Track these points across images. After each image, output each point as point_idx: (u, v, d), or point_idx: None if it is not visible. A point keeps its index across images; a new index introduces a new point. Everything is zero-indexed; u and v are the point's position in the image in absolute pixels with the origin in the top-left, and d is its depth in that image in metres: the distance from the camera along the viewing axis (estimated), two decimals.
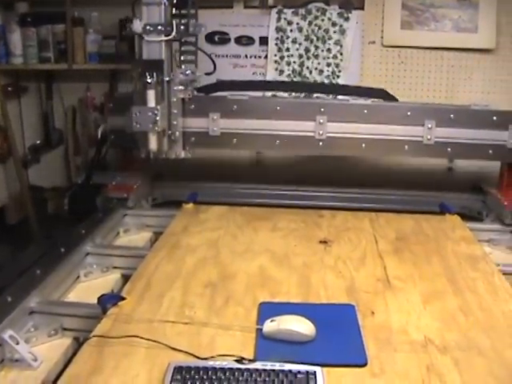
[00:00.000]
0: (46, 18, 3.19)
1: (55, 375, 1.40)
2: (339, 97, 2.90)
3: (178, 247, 2.08)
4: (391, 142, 2.53)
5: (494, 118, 2.49)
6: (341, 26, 3.11)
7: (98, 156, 2.78)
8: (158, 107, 2.22)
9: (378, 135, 2.53)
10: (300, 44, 3.14)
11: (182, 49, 2.44)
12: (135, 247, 2.26)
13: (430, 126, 2.50)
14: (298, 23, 3.13)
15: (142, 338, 1.44)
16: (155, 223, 2.47)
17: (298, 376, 1.28)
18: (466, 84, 3.16)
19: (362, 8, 3.12)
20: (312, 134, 2.54)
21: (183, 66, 2.43)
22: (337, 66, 3.13)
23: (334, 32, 3.11)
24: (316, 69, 3.14)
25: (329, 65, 3.13)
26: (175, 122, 2.42)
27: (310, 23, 3.11)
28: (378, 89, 2.87)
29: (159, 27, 2.22)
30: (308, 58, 3.14)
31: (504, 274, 1.90)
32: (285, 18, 3.12)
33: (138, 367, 1.35)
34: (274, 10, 3.14)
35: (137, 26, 2.22)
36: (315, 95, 3.00)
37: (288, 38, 3.14)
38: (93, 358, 1.38)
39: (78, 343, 1.56)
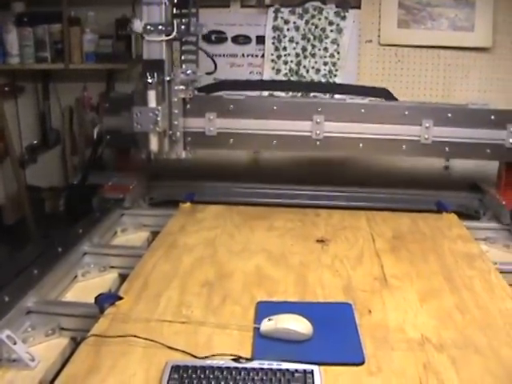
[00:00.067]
0: (43, 17, 3.19)
1: (53, 375, 1.40)
2: (336, 96, 2.90)
3: (175, 247, 2.08)
4: (389, 142, 2.54)
5: (492, 117, 2.50)
6: (338, 24, 3.11)
7: (94, 156, 2.78)
8: (159, 108, 2.20)
9: (376, 135, 2.54)
10: (297, 43, 3.14)
11: (183, 48, 2.43)
12: (132, 247, 2.26)
13: (427, 125, 2.50)
14: (294, 22, 3.13)
15: (139, 337, 1.44)
16: (152, 223, 2.46)
17: (296, 375, 1.29)
18: (462, 82, 3.17)
19: (359, 7, 3.12)
20: (309, 133, 2.54)
21: (184, 66, 2.42)
22: (334, 64, 3.14)
23: (331, 31, 3.12)
24: (313, 68, 3.14)
25: (326, 64, 3.14)
26: (176, 122, 2.40)
27: (306, 22, 3.12)
28: (380, 88, 2.86)
29: (160, 27, 2.20)
30: (305, 57, 3.14)
31: (501, 272, 1.90)
32: (282, 17, 3.13)
33: (135, 366, 1.35)
34: (271, 9, 3.14)
35: (137, 25, 2.20)
36: (312, 94, 3.01)
37: (285, 36, 3.14)
38: (90, 358, 1.38)
39: (76, 343, 1.56)
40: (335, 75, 3.14)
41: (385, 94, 2.78)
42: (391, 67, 3.15)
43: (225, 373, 1.29)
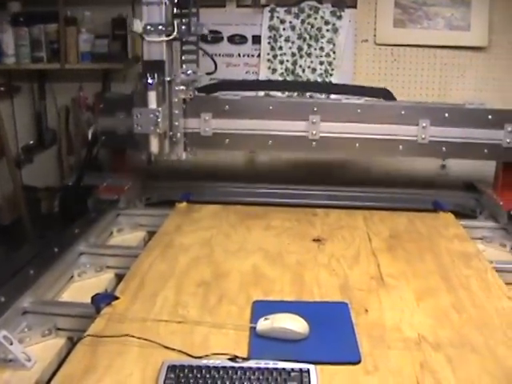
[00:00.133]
0: (39, 17, 3.18)
1: (49, 375, 1.40)
2: (332, 96, 2.90)
3: (171, 246, 2.08)
4: (385, 142, 2.53)
5: (489, 116, 2.49)
6: (333, 24, 3.11)
7: (90, 157, 2.77)
8: (160, 109, 2.18)
9: (372, 135, 2.53)
10: (293, 42, 3.14)
11: (183, 48, 2.40)
12: (129, 247, 2.25)
13: (424, 125, 2.50)
14: (290, 22, 3.13)
15: (135, 337, 1.44)
16: (149, 222, 2.46)
17: (292, 374, 1.29)
18: (458, 82, 3.17)
19: (355, 6, 3.12)
20: (305, 134, 2.54)
21: (184, 66, 2.40)
22: (330, 64, 3.13)
23: (327, 30, 3.12)
24: (309, 67, 3.14)
25: (322, 63, 3.13)
26: (176, 123, 2.37)
27: (302, 22, 3.11)
28: (381, 88, 2.85)
29: (160, 27, 2.17)
30: (301, 57, 3.14)
31: (497, 271, 1.91)
32: (277, 17, 3.12)
33: (131, 366, 1.35)
34: (267, 9, 3.14)
35: (137, 26, 2.16)
36: (308, 94, 3.00)
37: (281, 36, 3.14)
38: (86, 358, 1.38)
39: (72, 343, 1.55)
40: (331, 75, 3.14)
41: (384, 93, 2.77)
42: (387, 67, 3.15)
43: (221, 372, 1.29)
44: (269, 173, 3.01)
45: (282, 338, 1.45)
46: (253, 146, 2.68)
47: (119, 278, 1.92)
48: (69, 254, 2.01)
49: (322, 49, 3.13)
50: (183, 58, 2.40)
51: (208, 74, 2.54)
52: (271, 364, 1.31)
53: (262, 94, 3.05)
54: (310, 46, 3.13)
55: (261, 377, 1.28)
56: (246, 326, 1.52)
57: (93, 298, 1.63)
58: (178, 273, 1.86)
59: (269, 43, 3.16)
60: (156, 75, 2.18)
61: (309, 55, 3.14)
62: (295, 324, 1.48)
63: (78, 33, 3.19)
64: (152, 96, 2.18)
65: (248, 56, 3.21)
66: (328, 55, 3.13)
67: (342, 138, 2.54)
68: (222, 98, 2.55)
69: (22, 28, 3.16)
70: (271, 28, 3.14)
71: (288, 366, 1.31)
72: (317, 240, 2.15)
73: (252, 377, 1.28)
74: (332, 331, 1.50)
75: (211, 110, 2.54)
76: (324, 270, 1.89)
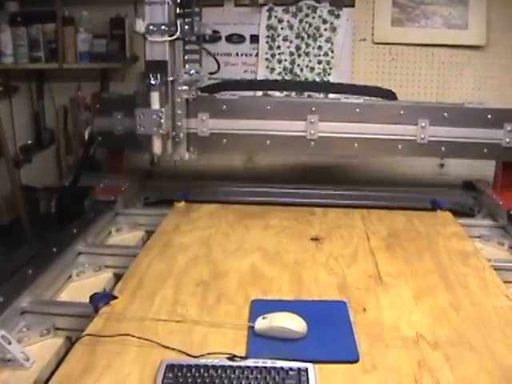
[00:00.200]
0: (37, 17, 3.18)
1: (47, 375, 1.40)
2: (330, 95, 2.90)
3: (169, 246, 2.08)
4: (384, 142, 2.53)
5: (489, 116, 2.49)
6: (331, 23, 3.11)
7: (86, 157, 2.76)
8: (163, 109, 2.17)
9: (371, 135, 2.53)
10: (291, 42, 3.14)
11: (186, 48, 2.40)
12: (127, 246, 2.26)
13: (423, 124, 2.49)
14: (288, 21, 3.13)
15: (134, 336, 1.44)
16: (147, 222, 2.46)
17: (290, 373, 1.29)
18: (456, 81, 3.17)
19: (353, 5, 3.12)
20: (303, 133, 2.53)
21: (187, 66, 2.40)
22: (328, 63, 3.13)
23: (325, 29, 3.11)
24: (307, 66, 3.14)
25: (320, 62, 3.13)
26: (179, 123, 2.37)
27: (300, 21, 3.11)
28: (385, 89, 2.84)
29: (163, 27, 2.16)
30: (299, 56, 3.14)
31: (495, 269, 1.91)
32: (275, 16, 3.12)
33: (130, 366, 1.35)
34: (265, 8, 3.14)
35: (140, 26, 2.16)
36: (306, 94, 3.00)
37: (279, 35, 3.14)
38: (85, 357, 1.38)
39: (71, 343, 1.55)
40: (329, 74, 3.14)
41: (387, 94, 2.76)
42: (385, 65, 3.15)
43: (219, 371, 1.29)
44: (267, 176, 3.01)
45: (280, 337, 1.45)
46: (251, 147, 2.65)
47: (118, 277, 1.93)
48: (67, 254, 2.02)
49: (320, 48, 3.13)
50: (186, 57, 2.40)
51: (211, 73, 2.53)
52: (269, 363, 1.32)
53: (259, 93, 3.05)
54: (308, 45, 3.13)
55: (259, 376, 1.28)
56: (244, 325, 1.52)
57: (91, 297, 1.63)
58: (177, 272, 1.86)
59: (267, 42, 3.16)
60: (159, 76, 2.17)
61: (307, 54, 3.14)
62: (293, 323, 1.48)
63: (76, 32, 3.18)
64: (155, 97, 2.17)
65: (246, 55, 3.21)
66: (326, 54, 3.13)
67: (341, 138, 2.53)
68: (219, 98, 2.54)
69: (19, 28, 3.15)
70: (269, 27, 3.14)
71: (286, 364, 1.31)
72: (315, 239, 2.15)
73: (250, 376, 1.28)
74: (330, 330, 1.50)
75: (208, 109, 2.52)
76: (322, 269, 1.89)
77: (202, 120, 2.51)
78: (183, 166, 2.56)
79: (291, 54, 3.15)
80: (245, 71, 3.21)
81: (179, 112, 2.37)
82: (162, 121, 2.16)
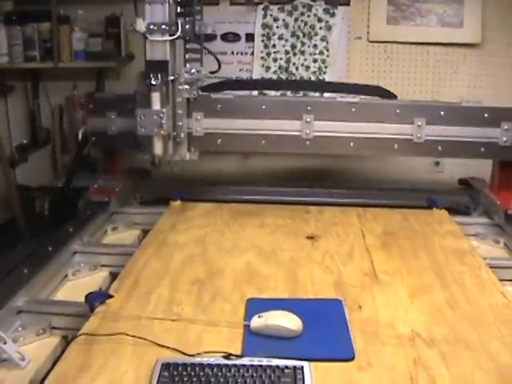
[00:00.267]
0: (32, 16, 3.17)
1: (43, 374, 1.39)
2: (326, 94, 2.90)
3: (165, 244, 2.08)
4: (380, 141, 2.51)
5: (486, 114, 2.47)
6: (327, 21, 3.11)
7: (80, 158, 2.75)
8: (164, 110, 2.15)
9: (367, 134, 2.51)
10: (286, 40, 3.14)
11: (187, 47, 2.37)
12: (123, 245, 2.26)
13: (419, 123, 2.47)
14: (284, 19, 3.13)
15: (129, 335, 1.44)
16: (143, 221, 2.46)
17: (286, 371, 1.29)
18: (452, 79, 3.17)
19: (348, 4, 3.12)
20: (299, 133, 2.52)
21: (188, 65, 2.37)
22: (323, 61, 3.13)
23: (320, 28, 3.12)
24: (302, 65, 3.14)
25: (315, 61, 3.13)
26: (180, 123, 2.35)
27: (296, 19, 3.11)
28: (387, 91, 2.84)
29: (163, 26, 2.14)
30: (294, 55, 3.14)
31: (491, 267, 1.91)
32: (271, 15, 3.12)
33: (125, 364, 1.35)
34: (260, 7, 3.14)
35: (140, 25, 2.13)
36: (302, 93, 3.00)
37: (274, 34, 3.14)
38: (81, 356, 1.38)
39: (67, 342, 1.55)
40: (325, 72, 3.14)
41: (386, 93, 2.75)
42: (380, 64, 3.16)
43: (215, 370, 1.29)
44: (264, 179, 3.00)
45: (275, 336, 1.45)
46: (246, 146, 2.62)
47: (114, 276, 1.93)
48: (63, 253, 2.02)
49: (315, 46, 3.13)
50: (186, 56, 2.37)
51: (211, 72, 2.50)
52: (265, 361, 1.32)
53: (255, 93, 3.05)
54: (303, 43, 3.13)
55: (254, 374, 1.28)
56: (239, 323, 1.52)
57: (87, 296, 1.63)
58: (173, 271, 1.86)
59: (262, 41, 3.16)
60: (159, 76, 2.15)
61: (302, 53, 3.14)
62: (289, 321, 1.48)
63: (72, 31, 3.17)
64: (156, 97, 2.15)
65: (241, 54, 3.21)
66: (321, 53, 3.13)
67: (337, 137, 2.52)
68: (213, 97, 2.52)
69: (14, 27, 3.14)
70: (264, 26, 3.14)
71: (282, 363, 1.31)
72: (310, 237, 2.15)
73: (246, 374, 1.28)
74: (326, 328, 1.50)
75: (203, 109, 2.50)
76: (318, 267, 1.89)
77: (197, 119, 2.49)
78: (179, 170, 2.54)
79: (286, 52, 3.15)
80: (240, 70, 3.21)
81: (180, 112, 2.34)
82: (163, 121, 2.15)
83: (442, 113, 2.48)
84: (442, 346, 1.44)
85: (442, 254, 2.02)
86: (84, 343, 1.43)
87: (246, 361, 1.33)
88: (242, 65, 3.21)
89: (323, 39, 3.12)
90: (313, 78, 3.15)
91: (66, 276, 1.96)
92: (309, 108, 2.50)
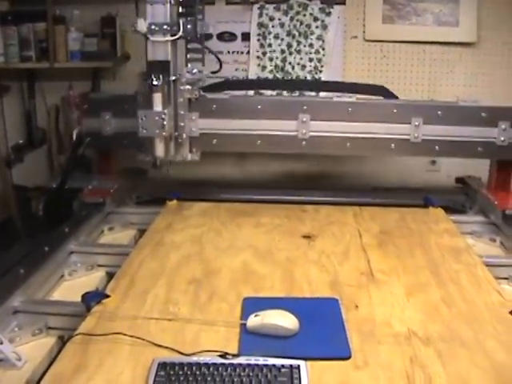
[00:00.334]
0: (27, 16, 3.16)
1: (40, 374, 1.39)
2: (322, 94, 2.90)
3: (162, 244, 2.08)
4: (377, 141, 2.50)
5: (483, 114, 2.46)
6: (322, 21, 3.11)
7: (75, 159, 2.74)
8: (166, 111, 2.14)
9: (364, 134, 2.49)
10: (282, 39, 3.14)
11: (188, 47, 2.37)
12: (119, 245, 2.26)
13: (416, 123, 2.46)
14: (279, 19, 3.13)
15: (126, 335, 1.44)
16: (139, 221, 2.46)
17: (282, 370, 1.29)
18: (448, 78, 3.17)
19: (344, 3, 3.12)
20: (295, 133, 2.50)
21: (189, 65, 2.36)
22: (319, 61, 3.13)
23: (316, 27, 3.12)
24: (298, 64, 3.14)
25: (311, 60, 3.13)
26: (182, 124, 2.34)
27: (291, 18, 3.11)
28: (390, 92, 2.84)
29: (165, 27, 2.12)
30: (290, 54, 3.14)
31: (487, 265, 1.92)
32: (266, 14, 3.12)
33: (122, 364, 1.35)
34: (256, 6, 3.14)
35: (141, 25, 2.11)
36: (298, 92, 3.00)
37: (270, 33, 3.14)
38: (77, 356, 1.38)
39: (63, 342, 1.55)
40: (321, 71, 3.14)
41: (390, 94, 2.75)
42: (376, 63, 3.16)
43: (211, 369, 1.29)
44: (261, 183, 3.00)
45: (272, 335, 1.45)
46: (241, 147, 2.60)
47: (110, 276, 1.93)
48: (59, 253, 2.02)
49: (311, 45, 3.13)
50: (188, 56, 2.36)
51: (213, 72, 2.49)
52: (261, 360, 1.32)
53: (251, 92, 3.05)
54: (299, 42, 3.13)
55: (251, 373, 1.28)
56: (236, 322, 1.52)
57: (83, 296, 1.63)
58: (169, 270, 1.86)
59: (258, 40, 3.16)
60: (161, 76, 2.13)
61: (298, 52, 3.14)
62: (285, 320, 1.48)
63: (67, 31, 3.17)
64: (157, 98, 2.14)
65: (237, 53, 3.21)
66: (317, 52, 3.13)
67: (333, 137, 2.50)
68: (209, 98, 2.51)
69: (10, 27, 3.14)
70: (260, 25, 3.14)
71: (278, 362, 1.32)
72: (307, 237, 2.15)
73: (242, 373, 1.28)
74: (322, 327, 1.50)
75: (198, 109, 2.48)
76: (314, 267, 1.89)
77: (192, 120, 2.47)
78: (175, 173, 2.53)
79: (282, 51, 3.15)
80: (236, 69, 3.21)
81: (181, 112, 2.33)
82: (165, 123, 2.13)
83: (440, 112, 2.47)
84: (438, 344, 1.44)
85: (438, 252, 2.02)
86: (80, 343, 1.43)
87: (242, 360, 1.33)
88: (237, 64, 3.20)
89: (319, 38, 3.12)
90: (309, 77, 3.15)
91: (63, 276, 1.96)
92: (305, 108, 2.49)
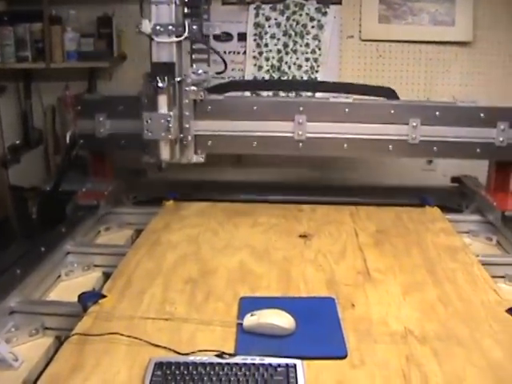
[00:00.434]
0: (23, 16, 3.16)
1: (36, 375, 1.39)
2: (318, 95, 2.89)
3: (158, 244, 2.08)
4: (374, 142, 2.47)
5: (482, 114, 2.44)
6: (319, 20, 3.11)
7: (69, 161, 2.73)
8: (171, 113, 2.12)
9: (361, 135, 2.46)
10: (278, 39, 3.14)
11: (193, 47, 2.35)
12: (116, 245, 2.26)
13: (414, 124, 2.43)
14: (276, 19, 3.13)
15: (122, 335, 1.44)
16: (136, 221, 2.46)
17: (278, 369, 1.29)
18: (444, 77, 3.18)
19: (340, 3, 3.12)
20: (291, 134, 2.47)
21: (194, 66, 2.35)
22: (315, 60, 3.14)
23: (312, 27, 3.12)
24: (295, 64, 3.15)
25: (307, 60, 3.14)
26: (187, 126, 2.32)
27: (287, 18, 3.12)
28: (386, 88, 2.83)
29: (170, 27, 2.09)
30: (287, 54, 3.14)
31: (483, 264, 1.92)
32: (263, 14, 3.13)
33: (118, 364, 1.35)
34: (252, 6, 3.14)
35: (146, 26, 2.08)
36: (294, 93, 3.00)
37: (266, 33, 3.14)
38: (74, 356, 1.38)
39: (60, 342, 1.55)
40: (317, 71, 3.15)
41: (388, 93, 2.74)
42: (373, 62, 3.16)
43: (208, 369, 1.29)
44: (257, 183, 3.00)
45: (268, 334, 1.45)
46: (237, 148, 2.57)
47: (107, 276, 1.92)
48: (56, 254, 2.02)
49: (307, 45, 3.13)
50: (193, 57, 2.35)
51: (218, 73, 2.47)
52: (258, 360, 1.32)
53: (247, 93, 3.04)
54: (295, 42, 3.13)
55: (247, 373, 1.28)
56: (232, 322, 1.52)
57: (79, 296, 1.63)
58: (166, 270, 1.86)
59: (254, 40, 3.16)
60: (166, 78, 2.11)
61: (294, 52, 3.14)
62: (282, 320, 1.48)
63: (64, 32, 3.16)
64: (162, 100, 2.12)
65: (234, 53, 3.21)
66: (314, 52, 3.13)
67: (330, 139, 2.47)
68: (204, 99, 2.49)
69: (6, 27, 3.13)
70: (256, 25, 3.14)
71: (274, 361, 1.32)
72: (303, 236, 2.15)
73: (239, 373, 1.28)
74: (319, 326, 1.51)
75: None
76: (310, 266, 1.90)
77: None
78: (172, 174, 2.53)
79: (279, 51, 3.15)
80: (232, 69, 3.21)
81: (187, 113, 2.30)
82: (171, 125, 2.11)
83: (437, 113, 2.45)
84: (435, 342, 1.44)
85: (434, 251, 2.03)
86: (77, 343, 1.43)
87: (238, 359, 1.33)
88: (234, 64, 3.20)
89: (315, 38, 3.12)
90: (305, 77, 3.15)
91: (59, 276, 1.96)
92: (301, 109, 2.46)
